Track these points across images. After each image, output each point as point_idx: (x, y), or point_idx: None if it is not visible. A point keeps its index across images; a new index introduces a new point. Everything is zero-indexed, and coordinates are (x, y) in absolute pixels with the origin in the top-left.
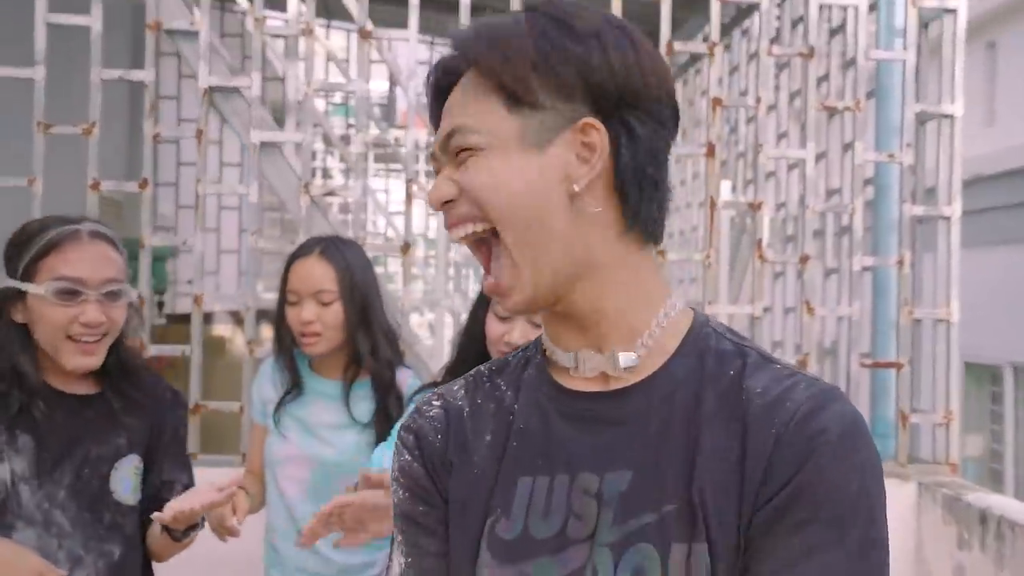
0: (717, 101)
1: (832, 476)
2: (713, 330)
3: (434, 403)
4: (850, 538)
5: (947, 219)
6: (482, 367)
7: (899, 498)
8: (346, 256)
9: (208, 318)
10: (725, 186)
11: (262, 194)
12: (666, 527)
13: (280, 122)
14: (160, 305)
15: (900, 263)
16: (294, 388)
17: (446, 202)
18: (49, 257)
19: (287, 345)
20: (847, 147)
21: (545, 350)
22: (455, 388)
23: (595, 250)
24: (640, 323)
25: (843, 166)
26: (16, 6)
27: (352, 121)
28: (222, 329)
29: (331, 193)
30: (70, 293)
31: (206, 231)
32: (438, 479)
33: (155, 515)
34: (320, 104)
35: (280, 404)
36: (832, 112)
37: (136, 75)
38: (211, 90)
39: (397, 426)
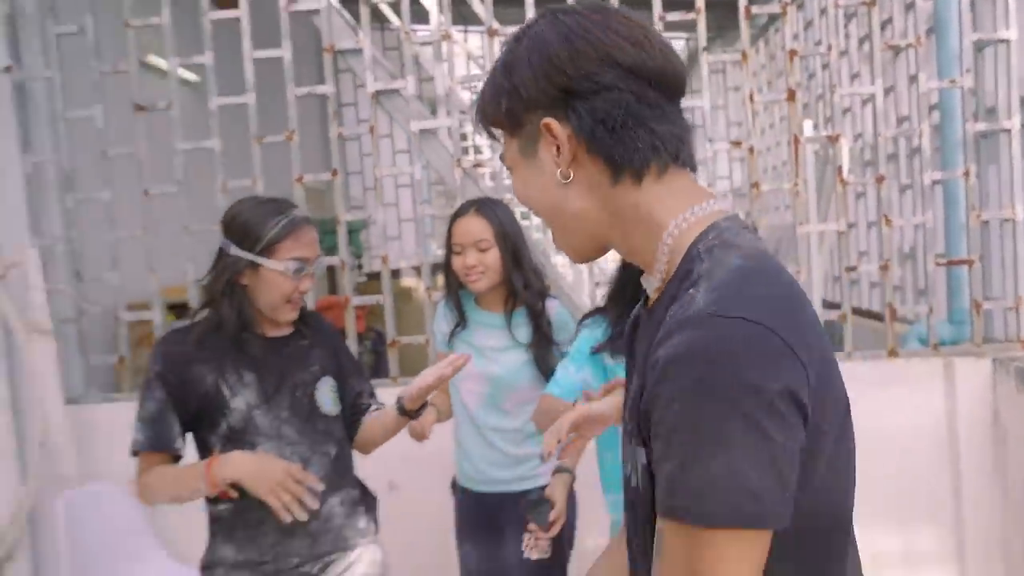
0: (793, 52)
1: (658, 400)
2: (702, 249)
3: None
4: (674, 453)
5: (1008, 132)
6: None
7: (977, 373)
8: (496, 211)
9: (395, 273)
10: (807, 125)
11: (427, 172)
12: (632, 432)
13: (434, 112)
14: (359, 267)
15: (966, 174)
16: (461, 322)
17: None
18: (285, 241)
19: (454, 288)
20: (912, 79)
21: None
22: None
23: (601, 208)
24: (649, 252)
25: (910, 96)
26: (228, 47)
27: None
28: (408, 281)
29: (479, 165)
30: (300, 270)
31: (386, 206)
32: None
33: (402, 390)
34: (465, 95)
35: (452, 335)
36: (897, 50)
37: (320, 89)
38: (377, 94)
39: (572, 347)
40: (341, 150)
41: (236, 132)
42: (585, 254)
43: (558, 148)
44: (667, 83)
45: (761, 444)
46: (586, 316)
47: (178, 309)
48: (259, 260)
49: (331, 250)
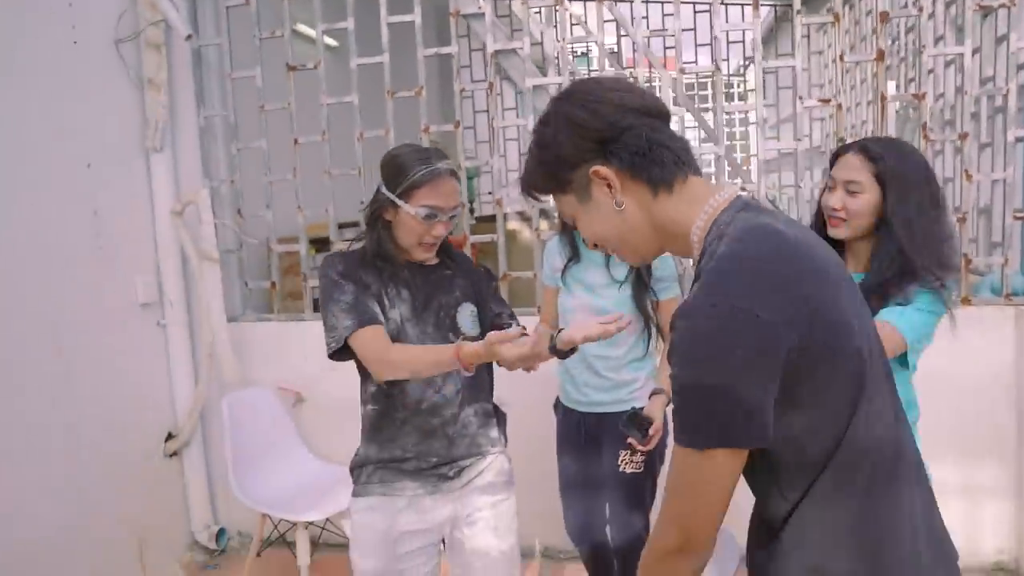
0: (885, 15)
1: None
2: (709, 242)
3: None
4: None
5: None
6: None
7: None
8: None
9: (504, 217)
10: (890, 85)
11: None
12: None
13: (543, 71)
14: (471, 210)
15: None
16: (574, 256)
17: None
18: (423, 188)
19: (570, 226)
20: (1000, 40)
21: None
22: None
23: (650, 221)
24: (687, 249)
25: (996, 57)
26: (367, 11)
27: (595, 66)
28: (513, 224)
29: None
30: (431, 216)
31: (500, 157)
32: None
33: (561, 333)
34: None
35: (565, 269)
36: (987, 11)
37: (445, 50)
38: (496, 53)
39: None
40: (460, 105)
41: (370, 88)
42: (647, 258)
43: (609, 185)
44: (662, 113)
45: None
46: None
47: (319, 243)
48: (398, 202)
49: None
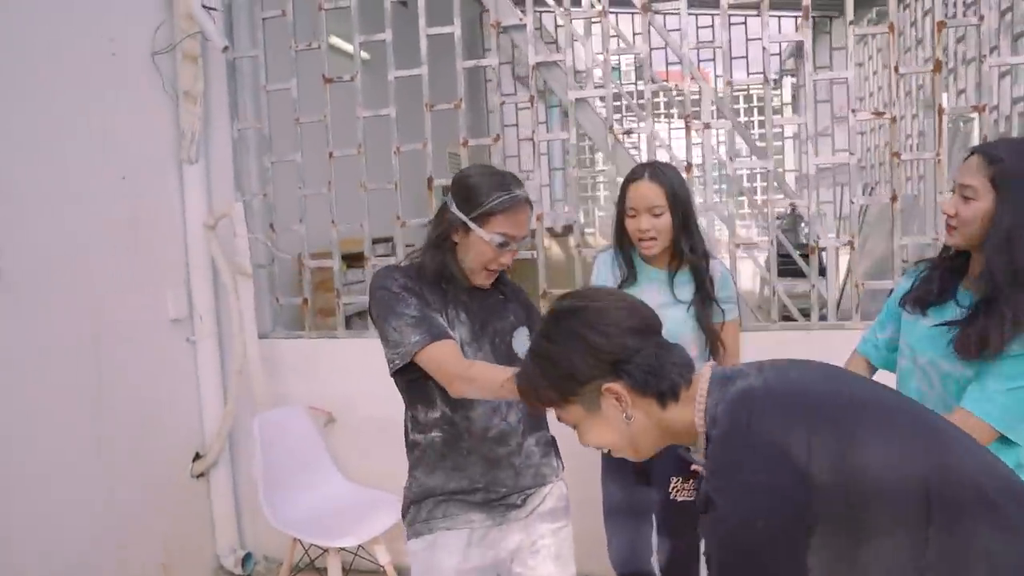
0: (941, 24)
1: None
2: (710, 432)
3: None
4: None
5: None
6: None
7: None
8: (669, 176)
9: (532, 233)
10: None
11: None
12: None
13: (581, 86)
14: None
15: None
16: (630, 276)
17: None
18: (500, 216)
19: (626, 245)
20: None
21: None
22: None
23: (657, 426)
24: (693, 438)
25: None
26: (408, 24)
27: (629, 79)
28: (545, 240)
29: (629, 132)
30: (504, 245)
31: (524, 171)
32: None
33: None
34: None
35: (620, 287)
36: None
37: (485, 62)
38: (538, 65)
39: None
40: (500, 118)
41: (407, 101)
42: (649, 454)
43: (618, 399)
44: (657, 328)
45: None
46: (919, 261)
47: (353, 258)
48: (471, 225)
49: None
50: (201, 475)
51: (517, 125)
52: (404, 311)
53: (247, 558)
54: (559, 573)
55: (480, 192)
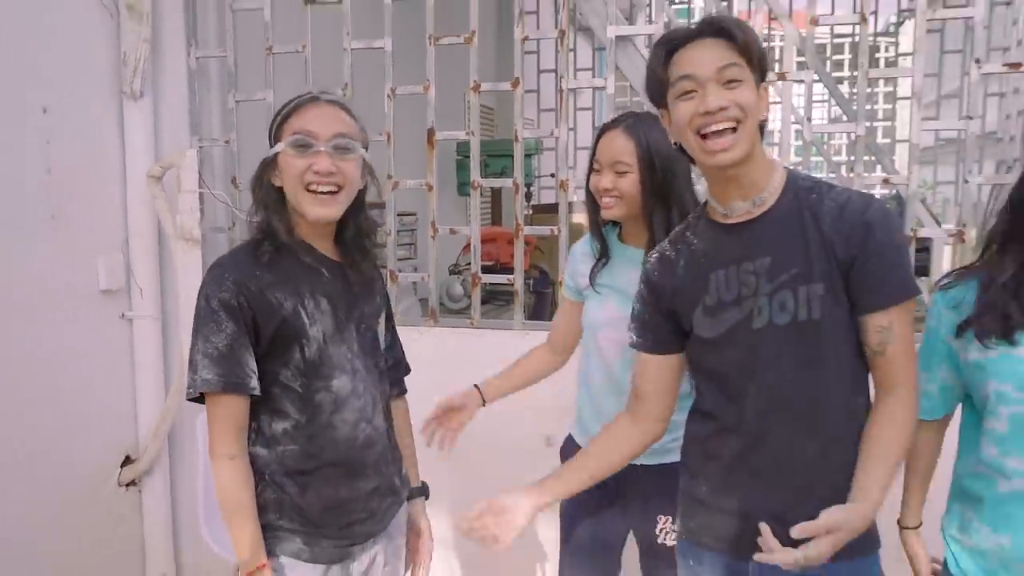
0: None
1: (883, 238)
2: (799, 179)
3: (655, 254)
4: (898, 264)
5: None
6: (679, 228)
7: None
8: (647, 134)
9: (569, 207)
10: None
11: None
12: (794, 279)
13: (630, 20)
14: (528, 196)
15: None
16: (603, 255)
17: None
18: (291, 118)
19: (595, 214)
20: None
21: (707, 210)
22: (666, 242)
23: (758, 143)
24: (762, 184)
25: None
26: None
27: (697, 17)
28: (580, 216)
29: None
30: (304, 145)
31: (569, 129)
32: (658, 287)
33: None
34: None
35: (594, 271)
36: None
37: None
38: None
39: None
40: (522, 58)
41: (407, 33)
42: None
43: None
44: None
45: None
46: (944, 279)
47: None
48: (272, 149)
49: (500, 174)
50: (131, 484)
51: (556, 71)
52: (211, 337)
53: None
54: None
55: (274, 117)
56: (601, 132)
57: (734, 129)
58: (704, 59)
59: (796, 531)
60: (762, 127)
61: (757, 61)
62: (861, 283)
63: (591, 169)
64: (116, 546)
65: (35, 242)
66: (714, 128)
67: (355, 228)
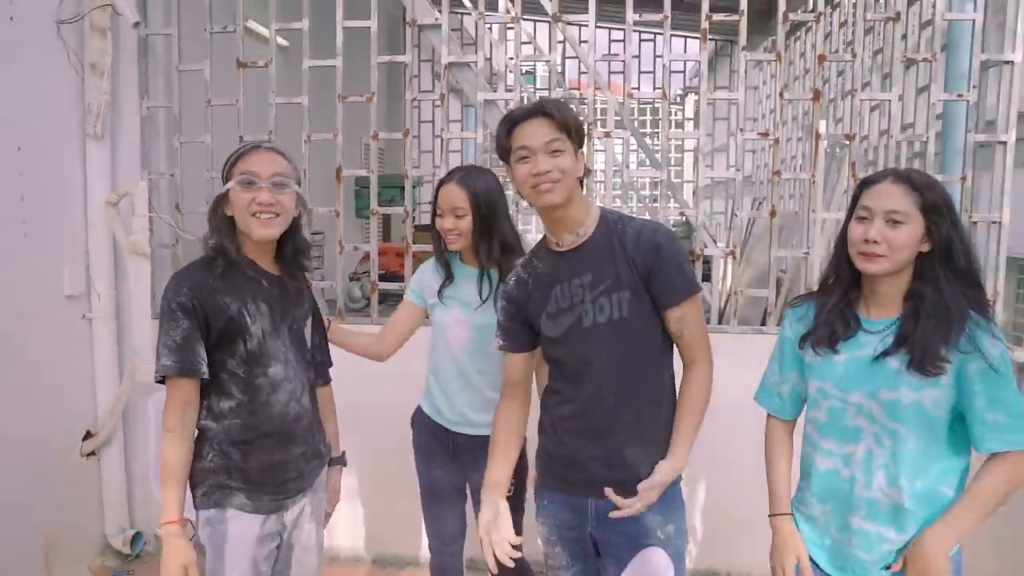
0: (823, 57)
1: (668, 254)
2: (608, 215)
3: (512, 277)
4: (681, 270)
5: (1003, 144)
6: (526, 256)
7: None
8: (477, 182)
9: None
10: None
11: (486, 138)
12: (608, 288)
13: (492, 87)
14: (413, 219)
15: (964, 179)
16: (449, 277)
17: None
18: (239, 162)
19: (440, 246)
20: (921, 90)
21: (546, 242)
22: (520, 265)
23: (577, 193)
24: (582, 220)
25: (916, 105)
26: (326, 14)
27: (541, 84)
28: None
29: None
30: (249, 183)
31: (436, 167)
32: (517, 301)
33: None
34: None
35: (442, 289)
36: (911, 63)
37: (400, 59)
38: (450, 65)
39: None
40: (416, 114)
41: (320, 92)
42: (570, 195)
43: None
44: None
45: None
46: (794, 300)
47: None
48: (225, 187)
49: (390, 202)
50: (91, 454)
51: (433, 122)
52: (170, 331)
53: (136, 537)
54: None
55: (226, 162)
56: (441, 184)
57: (557, 181)
58: (535, 135)
59: (642, 487)
60: (582, 180)
61: (575, 133)
62: (658, 287)
63: (435, 213)
64: (80, 505)
65: (10, 256)
66: (542, 184)
67: (293, 247)
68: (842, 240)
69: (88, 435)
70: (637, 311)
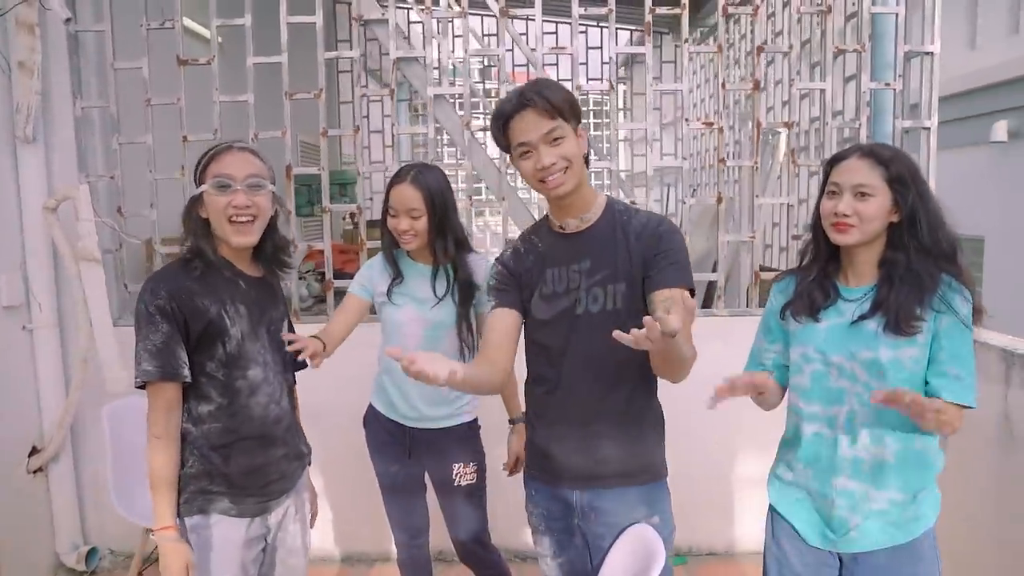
0: (760, 48)
1: (668, 245)
2: (616, 204)
3: (509, 249)
4: (678, 262)
5: (927, 129)
6: (526, 231)
7: None
8: (429, 180)
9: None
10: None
11: (439, 132)
12: (605, 278)
13: (439, 83)
14: (353, 216)
15: None
16: (397, 276)
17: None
18: (212, 164)
19: (389, 245)
20: (848, 79)
21: (549, 221)
22: (519, 239)
23: (584, 176)
24: (588, 207)
25: (845, 93)
26: (267, 11)
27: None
28: None
29: (486, 129)
30: (224, 186)
31: (375, 164)
32: (513, 271)
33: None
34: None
35: (391, 287)
36: (840, 53)
37: (347, 54)
38: (399, 60)
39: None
40: (364, 110)
41: (263, 89)
42: (578, 185)
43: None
44: None
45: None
46: (778, 274)
47: None
48: (198, 190)
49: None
50: (39, 470)
51: (368, 117)
52: (150, 335)
53: (92, 553)
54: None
55: (199, 161)
56: (392, 183)
57: (565, 170)
58: (530, 128)
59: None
60: (586, 159)
61: (568, 112)
62: (653, 271)
63: (387, 214)
64: (28, 524)
65: None
66: (550, 177)
67: (273, 245)
68: (817, 216)
69: (34, 450)
70: (631, 303)
